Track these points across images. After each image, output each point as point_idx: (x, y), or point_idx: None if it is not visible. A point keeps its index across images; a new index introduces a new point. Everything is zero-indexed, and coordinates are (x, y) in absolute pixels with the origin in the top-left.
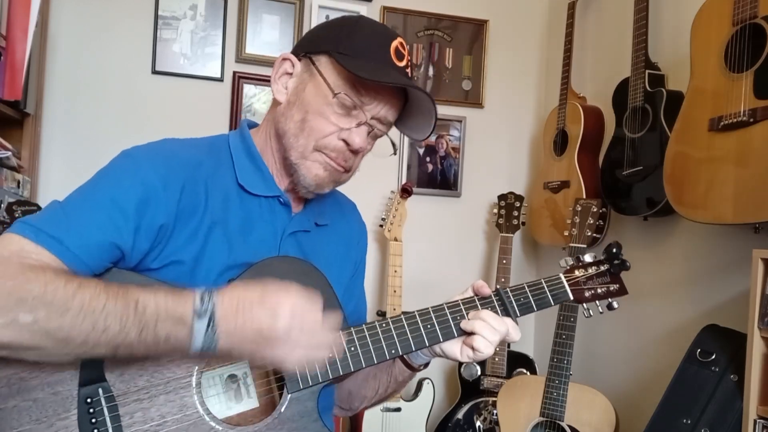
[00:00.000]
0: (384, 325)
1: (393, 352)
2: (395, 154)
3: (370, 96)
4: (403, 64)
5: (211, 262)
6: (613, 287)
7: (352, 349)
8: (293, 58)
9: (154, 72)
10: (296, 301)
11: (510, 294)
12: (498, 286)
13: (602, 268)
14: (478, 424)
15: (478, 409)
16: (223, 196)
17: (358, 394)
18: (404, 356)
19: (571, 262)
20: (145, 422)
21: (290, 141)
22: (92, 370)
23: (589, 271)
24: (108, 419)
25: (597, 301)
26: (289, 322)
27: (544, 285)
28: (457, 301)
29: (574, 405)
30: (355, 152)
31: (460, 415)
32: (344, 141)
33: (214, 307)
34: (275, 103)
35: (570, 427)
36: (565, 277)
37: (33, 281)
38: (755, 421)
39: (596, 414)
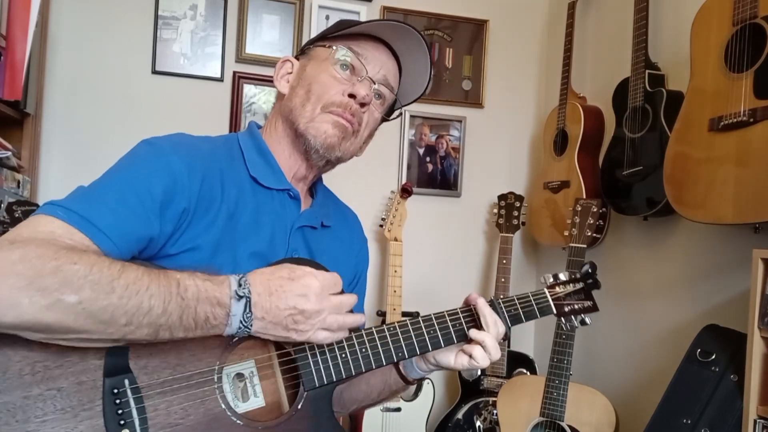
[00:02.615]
0: (392, 329)
1: (400, 354)
2: (401, 114)
3: (366, 57)
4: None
5: (229, 251)
6: (587, 304)
7: (364, 350)
8: (292, 59)
9: (154, 72)
10: (323, 282)
11: (503, 305)
12: (492, 297)
13: (578, 286)
14: (478, 424)
15: (478, 409)
16: (238, 188)
17: (350, 398)
18: (400, 368)
19: (551, 280)
20: (168, 415)
21: (297, 112)
22: (117, 360)
23: (568, 288)
24: (134, 410)
25: (573, 316)
26: (318, 301)
27: (531, 299)
28: (456, 309)
29: (574, 405)
30: (362, 105)
31: (460, 415)
32: (350, 95)
33: (250, 289)
34: (279, 97)
35: (570, 427)
36: (549, 292)
37: (78, 261)
38: (755, 421)
39: (596, 414)
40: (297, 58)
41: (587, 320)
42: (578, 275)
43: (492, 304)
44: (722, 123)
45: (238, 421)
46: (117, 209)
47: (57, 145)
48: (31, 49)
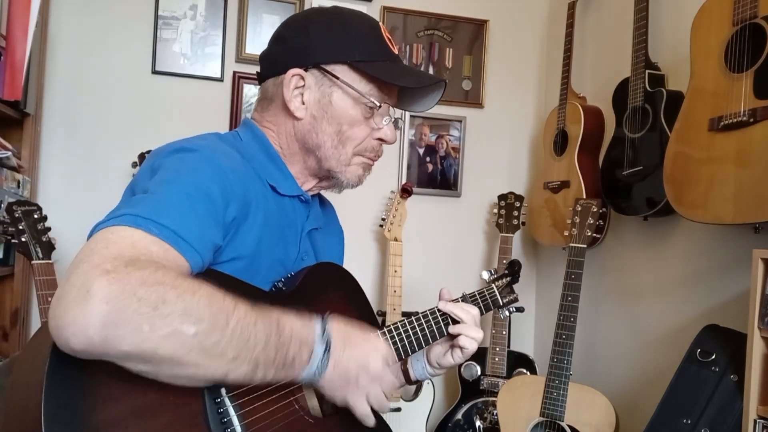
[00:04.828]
0: (411, 323)
1: (419, 346)
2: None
3: (391, 94)
4: (396, 50)
5: (263, 259)
6: (514, 296)
7: (401, 340)
8: (301, 71)
9: (154, 72)
10: (387, 352)
11: (469, 299)
12: (463, 292)
13: (508, 280)
14: (478, 424)
15: (478, 409)
16: (262, 194)
17: None
18: (407, 366)
19: (486, 276)
20: (259, 420)
21: (328, 153)
22: None
23: (503, 282)
24: (234, 418)
25: (506, 307)
26: (382, 367)
27: (486, 293)
28: (435, 307)
29: (574, 405)
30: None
31: (460, 415)
32: (379, 139)
33: (330, 334)
34: (289, 116)
35: (570, 427)
36: (495, 286)
37: (197, 291)
38: (755, 421)
39: (596, 414)
40: (305, 68)
41: (513, 309)
42: (507, 271)
43: (464, 298)
44: (722, 123)
45: (310, 420)
46: (198, 221)
47: (57, 145)
48: (31, 49)
